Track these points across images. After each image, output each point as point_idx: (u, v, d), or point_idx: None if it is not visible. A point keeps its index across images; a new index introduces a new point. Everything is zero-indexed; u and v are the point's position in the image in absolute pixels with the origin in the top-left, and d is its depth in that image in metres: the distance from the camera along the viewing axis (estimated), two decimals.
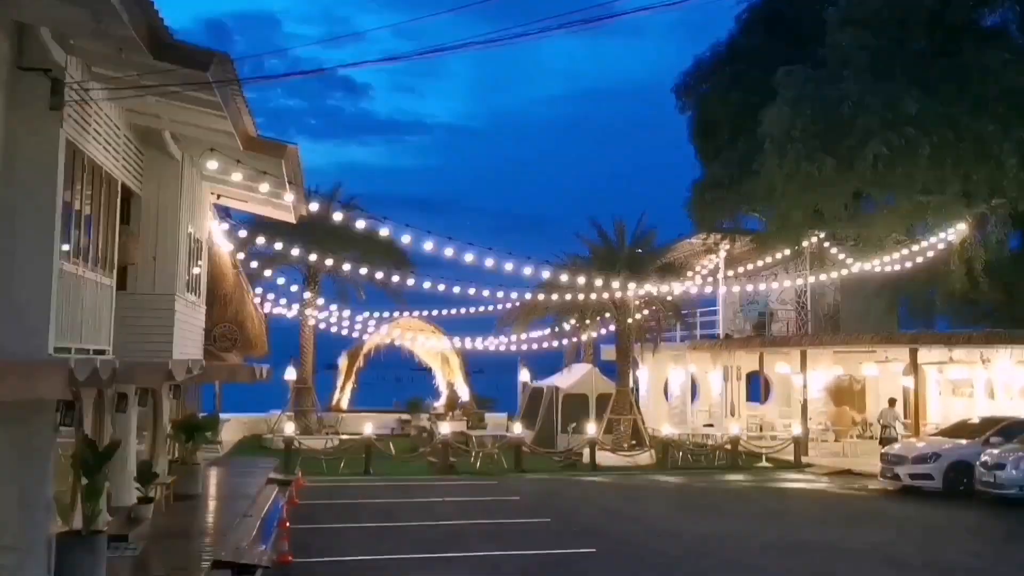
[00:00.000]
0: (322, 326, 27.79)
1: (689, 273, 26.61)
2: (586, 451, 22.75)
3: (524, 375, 31.15)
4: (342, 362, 31.92)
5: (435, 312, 31.12)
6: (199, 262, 14.46)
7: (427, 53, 9.25)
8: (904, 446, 19.74)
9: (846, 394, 28.12)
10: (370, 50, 9.66)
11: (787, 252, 27.60)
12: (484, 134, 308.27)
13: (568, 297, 23.69)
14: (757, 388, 31.92)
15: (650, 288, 23.66)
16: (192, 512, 14.04)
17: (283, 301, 26.33)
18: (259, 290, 24.52)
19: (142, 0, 7.06)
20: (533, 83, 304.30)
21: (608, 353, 29.79)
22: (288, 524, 12.43)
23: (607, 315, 25.77)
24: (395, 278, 25.37)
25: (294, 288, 26.47)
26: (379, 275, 25.45)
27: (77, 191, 8.91)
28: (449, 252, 18.08)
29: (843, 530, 14.36)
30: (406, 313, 30.56)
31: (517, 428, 23.44)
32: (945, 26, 25.44)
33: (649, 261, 24.40)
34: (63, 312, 8.36)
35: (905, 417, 23.86)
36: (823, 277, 27.54)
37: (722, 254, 29.78)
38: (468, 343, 30.88)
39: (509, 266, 19.71)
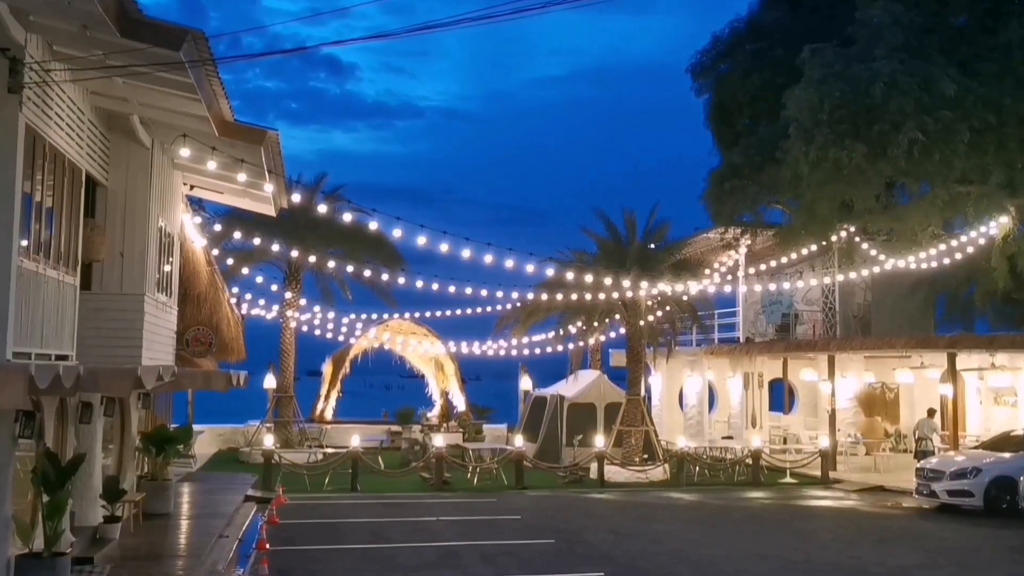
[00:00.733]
0: (304, 329, 27.83)
1: (706, 271, 26.63)
2: (593, 466, 22.78)
3: (525, 383, 31.17)
4: (326, 368, 31.98)
5: (428, 314, 31.21)
6: (170, 259, 14.49)
7: (418, 30, 9.29)
8: (941, 460, 19.76)
9: (878, 403, 28.12)
10: (356, 27, 9.73)
11: (813, 247, 27.58)
12: (481, 118, 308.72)
13: (574, 297, 23.71)
14: (781, 397, 31.93)
15: (663, 287, 23.67)
16: (163, 532, 14.06)
17: (262, 301, 26.41)
18: (236, 289, 24.60)
19: None
20: (534, 63, 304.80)
21: (617, 359, 29.81)
22: (268, 546, 12.46)
23: (616, 317, 25.79)
24: (384, 276, 25.39)
25: (274, 287, 26.55)
26: (367, 273, 25.49)
27: (38, 181, 8.94)
28: (444, 248, 18.09)
29: (874, 552, 14.38)
30: (396, 315, 30.64)
31: (518, 441, 23.47)
32: None
33: (662, 257, 24.41)
34: (22, 314, 8.38)
35: (942, 428, 23.88)
36: (853, 275, 27.55)
37: (742, 250, 29.78)
38: (464, 347, 30.94)
39: (509, 263, 19.72)
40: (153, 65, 8.51)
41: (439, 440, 22.53)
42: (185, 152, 12.38)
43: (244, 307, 25.27)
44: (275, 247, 23.67)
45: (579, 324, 27.09)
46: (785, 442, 27.36)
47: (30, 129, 8.48)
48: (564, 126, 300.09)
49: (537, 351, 30.11)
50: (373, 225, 18.19)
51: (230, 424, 29.91)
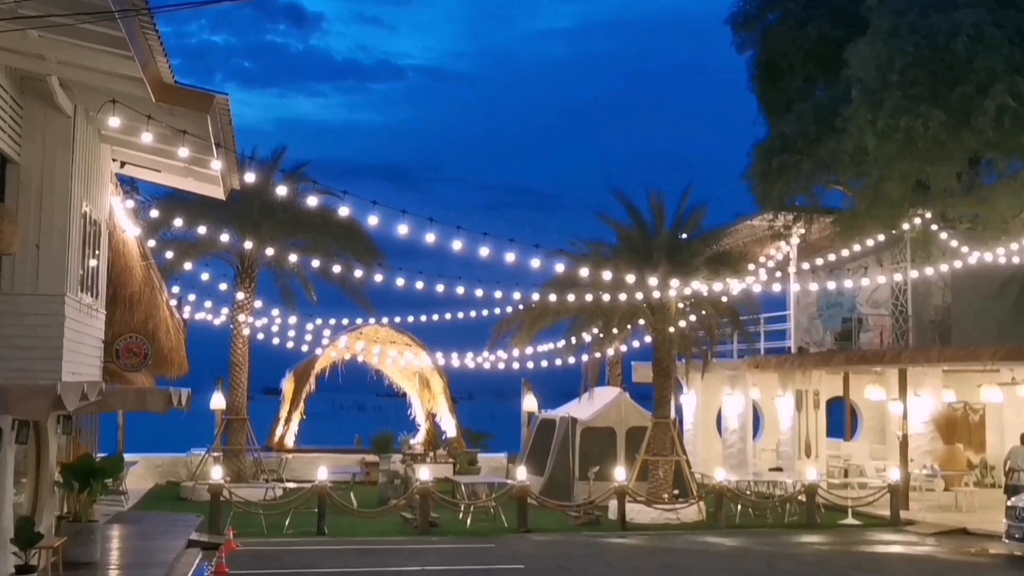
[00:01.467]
0: (260, 337, 27.82)
1: (750, 266, 26.60)
2: (612, 504, 22.79)
3: (529, 402, 31.20)
4: (287, 385, 32.01)
5: (411, 318, 31.23)
6: (97, 251, 14.50)
7: None
8: None
9: (960, 427, 28.13)
10: None
11: (881, 237, 27.59)
12: (475, 80, 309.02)
13: (588, 298, 23.70)
14: (841, 419, 31.92)
15: (698, 285, 23.67)
16: None
17: (208, 304, 26.39)
18: (176, 289, 24.62)
19: None
20: (538, 13, 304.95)
21: (642, 373, 29.79)
22: None
23: (640, 322, 25.78)
24: (358, 273, 25.40)
25: (223, 286, 26.52)
26: (336, 269, 25.50)
27: None
28: (430, 238, 18.07)
29: None
30: (372, 320, 30.65)
31: (520, 473, 23.48)
32: None
33: (696, 249, 24.41)
34: None
35: None
36: (929, 271, 27.54)
37: (794, 240, 29.78)
38: (455, 360, 30.92)
39: (510, 257, 19.68)
40: (76, 15, 8.52)
41: (424, 473, 22.52)
42: (115, 121, 12.37)
43: (187, 310, 25.27)
44: (224, 237, 23.66)
45: (595, 331, 27.04)
46: (846, 475, 27.35)
47: None
48: (575, 89, 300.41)
49: (544, 364, 30.10)
50: (344, 210, 18.13)
51: (169, 453, 29.92)
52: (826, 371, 28.64)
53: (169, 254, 24.27)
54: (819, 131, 26.83)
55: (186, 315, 25.12)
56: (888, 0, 24.97)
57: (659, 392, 24.61)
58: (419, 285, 22.64)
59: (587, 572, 17.35)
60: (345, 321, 30.29)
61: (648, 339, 26.07)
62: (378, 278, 24.01)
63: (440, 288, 22.69)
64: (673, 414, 24.99)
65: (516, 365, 30.24)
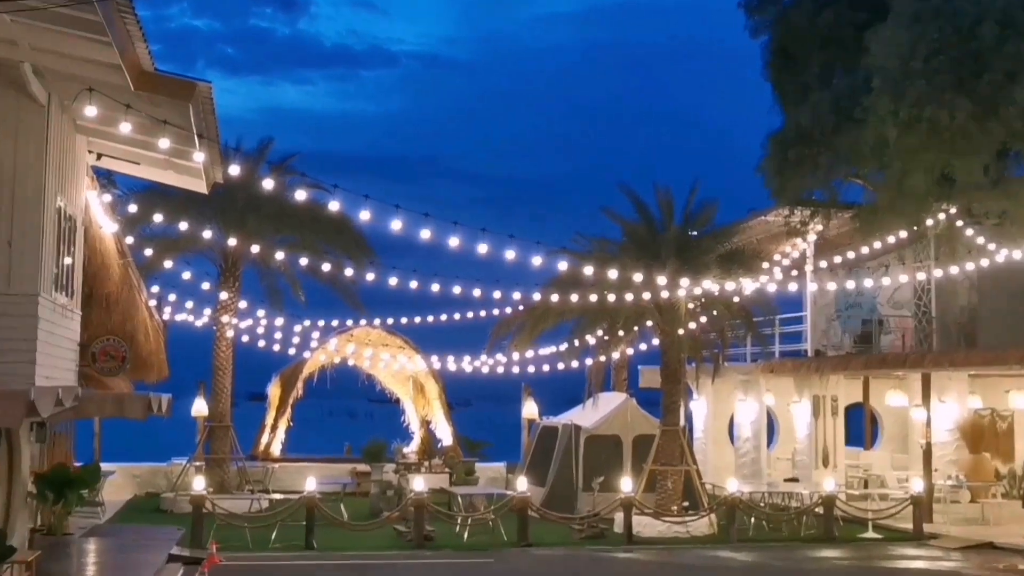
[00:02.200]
0: (245, 339, 27.87)
1: (764, 264, 26.61)
2: (618, 516, 22.83)
3: (530, 409, 31.20)
4: (273, 391, 32.02)
5: (404, 320, 31.24)
6: (72, 249, 14.50)
7: None
8: None
9: (987, 435, 28.12)
10: None
11: (903, 234, 27.60)
12: (472, 68, 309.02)
13: (593, 298, 23.71)
14: (860, 427, 31.92)
15: (709, 285, 23.69)
16: None
17: (189, 304, 26.42)
18: (156, 288, 24.58)
19: None
20: None
21: (649, 378, 29.79)
22: None
23: (648, 324, 25.79)
24: (348, 271, 25.40)
25: (205, 286, 26.52)
26: (326, 267, 25.51)
27: None
28: (425, 235, 18.10)
29: None
30: (364, 321, 30.67)
31: (521, 484, 23.50)
32: None
33: (707, 247, 24.42)
34: None
35: None
36: (954, 270, 27.55)
37: (811, 237, 29.80)
38: (451, 363, 30.95)
39: (510, 254, 19.72)
40: None
41: (419, 483, 22.54)
42: (91, 111, 12.36)
43: (167, 311, 25.25)
44: (207, 233, 23.68)
45: (599, 333, 27.06)
46: (866, 485, 27.36)
47: None
48: (579, 77, 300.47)
49: (545, 368, 30.14)
50: (334, 205, 18.14)
51: (149, 463, 29.91)
52: (844, 376, 28.65)
53: (148, 251, 24.25)
54: (838, 121, 26.85)
55: (166, 316, 25.08)
56: None
57: (667, 398, 24.63)
58: (413, 284, 22.67)
59: None
60: (335, 322, 30.32)
61: (656, 342, 26.10)
62: (370, 277, 24.01)
63: (435, 288, 22.73)
64: (682, 421, 25.01)
65: (516, 369, 30.29)
